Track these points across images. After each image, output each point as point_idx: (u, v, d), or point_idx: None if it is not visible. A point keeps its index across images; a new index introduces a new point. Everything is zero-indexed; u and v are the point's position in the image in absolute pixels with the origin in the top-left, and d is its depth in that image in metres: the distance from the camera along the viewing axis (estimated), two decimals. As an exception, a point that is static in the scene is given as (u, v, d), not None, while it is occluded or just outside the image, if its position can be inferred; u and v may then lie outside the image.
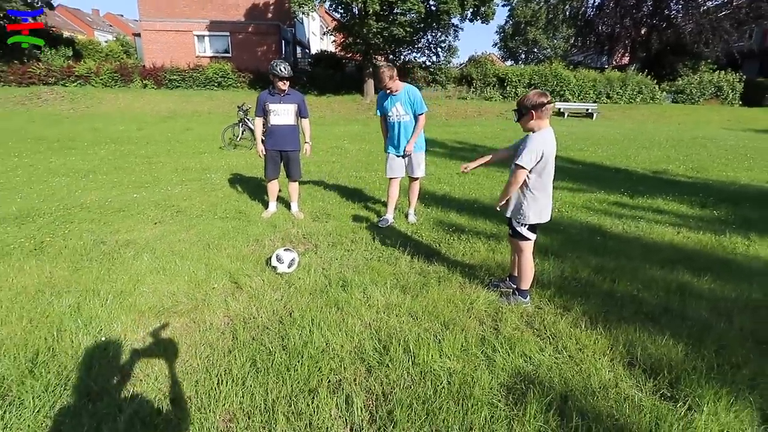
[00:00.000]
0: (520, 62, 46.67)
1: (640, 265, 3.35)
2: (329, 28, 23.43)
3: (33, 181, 6.03)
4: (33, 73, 18.27)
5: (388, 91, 4.05)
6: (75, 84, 18.77)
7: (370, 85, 19.76)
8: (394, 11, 17.96)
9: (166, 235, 3.93)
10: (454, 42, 22.17)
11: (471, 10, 18.85)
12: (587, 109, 19.38)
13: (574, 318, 2.54)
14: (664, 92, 22.67)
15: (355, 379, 1.98)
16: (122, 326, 2.40)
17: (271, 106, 4.23)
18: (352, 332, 2.34)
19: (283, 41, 24.23)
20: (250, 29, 23.10)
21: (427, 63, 22.60)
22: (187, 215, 4.57)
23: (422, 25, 18.98)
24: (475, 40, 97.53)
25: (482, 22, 20.26)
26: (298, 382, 1.93)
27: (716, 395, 1.87)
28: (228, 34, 23.19)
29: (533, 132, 2.44)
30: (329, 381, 1.96)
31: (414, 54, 22.82)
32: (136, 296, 2.75)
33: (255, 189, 5.73)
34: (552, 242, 3.84)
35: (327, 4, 18.39)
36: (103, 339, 2.26)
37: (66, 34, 28.77)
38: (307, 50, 30.31)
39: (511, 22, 47.13)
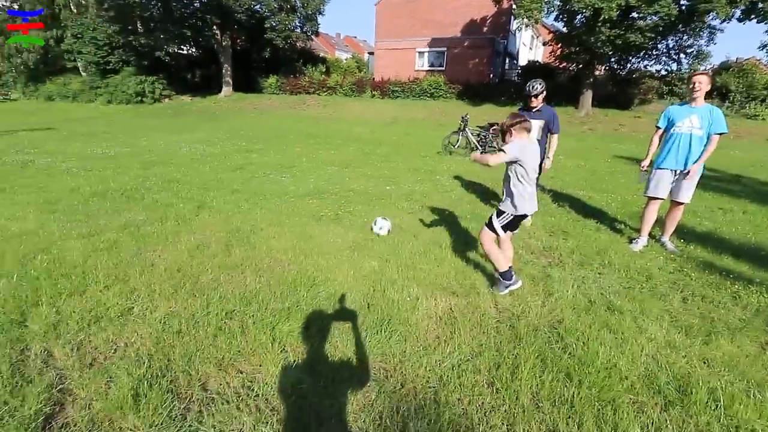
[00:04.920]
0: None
1: None
2: (544, 38, 22.47)
3: (314, 168, 7.97)
4: (300, 85, 24.10)
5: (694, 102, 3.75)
6: (325, 93, 23.71)
7: (587, 96, 18.09)
8: (631, 16, 15.90)
9: (423, 225, 4.63)
10: (707, 46, 18.18)
11: (742, 7, 14.99)
12: None
13: None
14: None
15: (654, 407, 1.94)
16: (417, 291, 2.99)
17: None
18: (637, 359, 2.29)
19: (494, 53, 24.62)
20: (466, 44, 24.36)
21: (663, 72, 19.20)
22: (433, 210, 5.25)
23: (663, 29, 16.17)
24: (726, 42, 76.37)
25: (758, 21, 15.86)
26: (593, 390, 2.02)
27: None
28: (445, 49, 25.06)
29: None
30: (627, 400, 1.98)
31: (645, 62, 19.74)
32: (417, 271, 3.36)
33: (481, 194, 6.12)
34: None
35: (552, 15, 17.64)
36: (407, 298, 2.88)
37: (320, 54, 36.54)
38: (515, 61, 29.91)
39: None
